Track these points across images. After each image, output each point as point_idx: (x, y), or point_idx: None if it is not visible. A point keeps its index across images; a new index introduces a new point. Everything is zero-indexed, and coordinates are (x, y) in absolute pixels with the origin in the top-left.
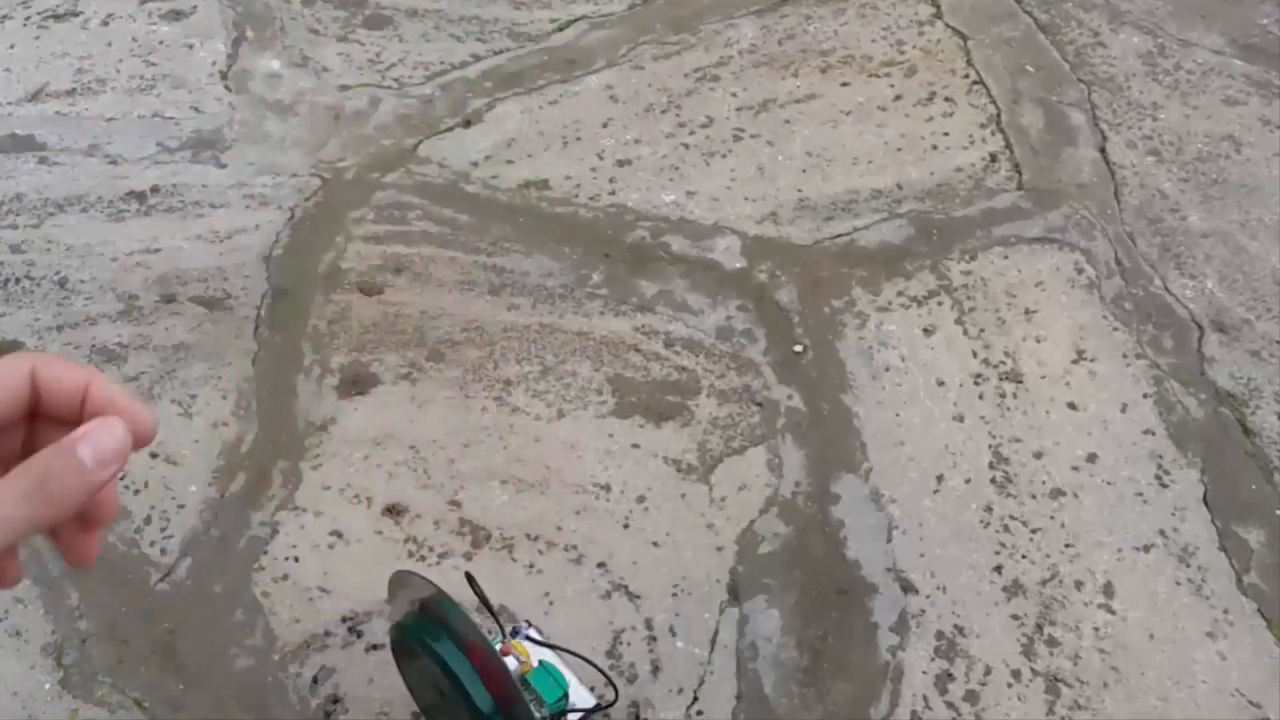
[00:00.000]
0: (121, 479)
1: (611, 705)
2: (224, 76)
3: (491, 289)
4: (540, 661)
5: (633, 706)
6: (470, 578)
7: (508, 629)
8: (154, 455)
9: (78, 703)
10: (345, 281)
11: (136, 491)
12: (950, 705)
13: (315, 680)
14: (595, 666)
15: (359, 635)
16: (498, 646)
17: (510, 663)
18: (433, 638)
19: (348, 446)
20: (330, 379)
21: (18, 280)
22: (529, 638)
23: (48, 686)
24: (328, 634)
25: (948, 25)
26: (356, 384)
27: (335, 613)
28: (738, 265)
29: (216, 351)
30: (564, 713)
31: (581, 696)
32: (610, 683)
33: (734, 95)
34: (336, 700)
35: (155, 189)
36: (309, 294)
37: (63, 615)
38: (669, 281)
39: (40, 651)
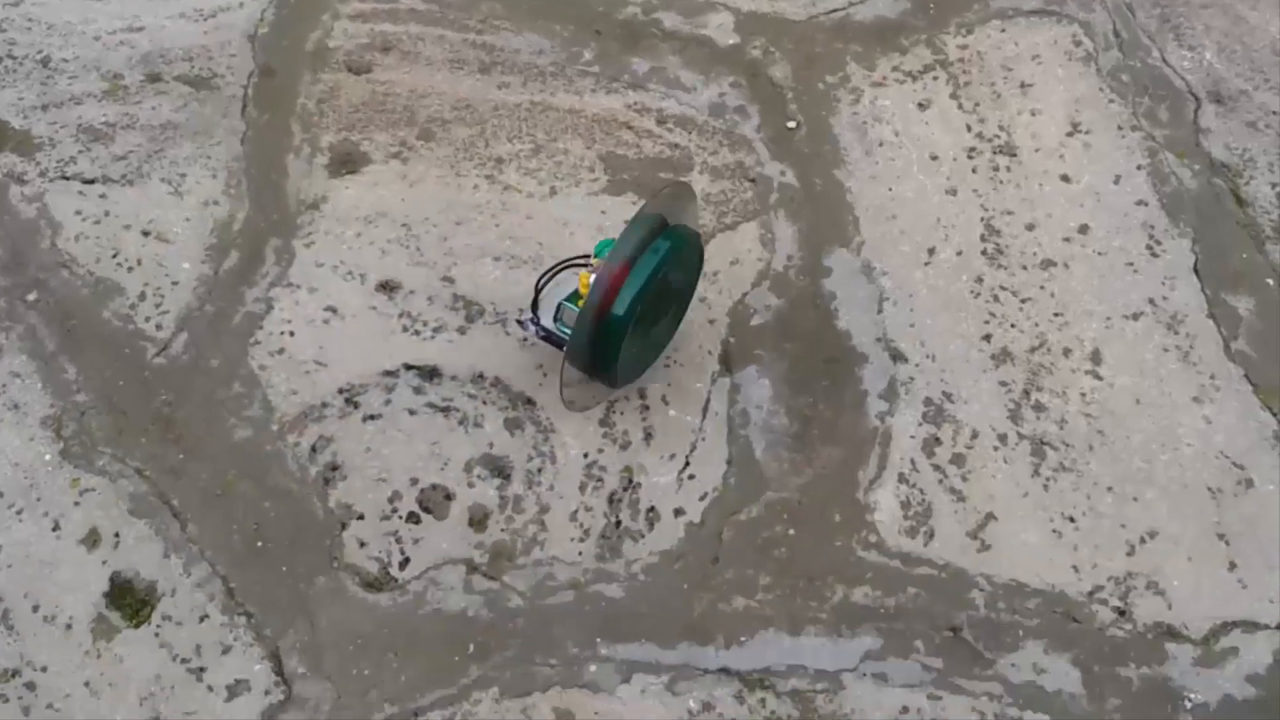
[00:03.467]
0: (113, 256)
1: None
2: None
3: (481, 67)
4: None
5: (625, 471)
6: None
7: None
8: (145, 234)
9: (79, 472)
10: (333, 60)
11: (130, 269)
12: (937, 468)
13: (314, 449)
14: None
15: (356, 406)
16: None
17: None
18: None
19: (340, 224)
20: (321, 158)
21: (0, 60)
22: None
23: (48, 458)
24: (325, 405)
25: None
26: (347, 163)
27: (332, 385)
28: (731, 41)
29: (204, 130)
30: None
31: None
32: None
33: None
34: (335, 468)
35: None
36: (296, 73)
37: (60, 389)
38: (661, 58)
39: (39, 424)
